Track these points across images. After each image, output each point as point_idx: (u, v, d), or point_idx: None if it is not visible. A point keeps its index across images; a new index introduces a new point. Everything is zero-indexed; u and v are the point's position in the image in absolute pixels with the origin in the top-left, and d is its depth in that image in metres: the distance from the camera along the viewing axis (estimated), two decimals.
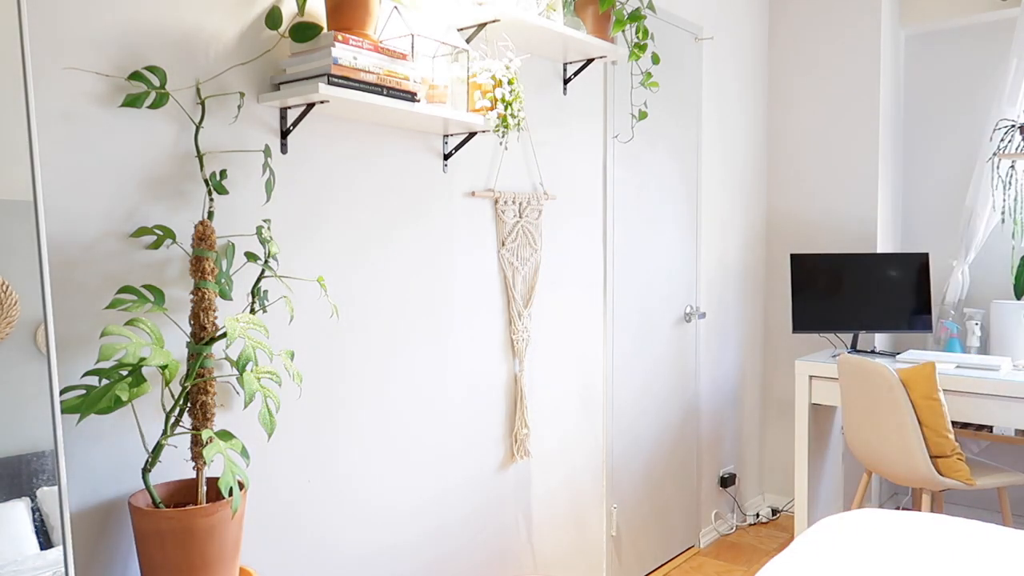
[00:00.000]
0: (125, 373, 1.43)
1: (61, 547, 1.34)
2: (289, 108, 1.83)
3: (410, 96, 1.85)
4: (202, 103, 1.65)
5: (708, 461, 3.51)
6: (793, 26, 3.76)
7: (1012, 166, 3.35)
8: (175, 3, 1.64)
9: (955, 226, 3.62)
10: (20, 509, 1.33)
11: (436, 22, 2.12)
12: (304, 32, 1.72)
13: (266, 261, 1.67)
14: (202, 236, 1.54)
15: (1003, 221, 3.42)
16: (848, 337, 3.55)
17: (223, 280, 1.62)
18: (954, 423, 3.00)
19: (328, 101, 1.73)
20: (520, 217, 2.49)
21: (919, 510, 2.80)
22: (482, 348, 2.40)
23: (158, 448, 1.52)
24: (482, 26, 2.18)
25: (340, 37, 1.70)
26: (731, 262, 3.62)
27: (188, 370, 1.52)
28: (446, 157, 2.25)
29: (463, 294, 2.33)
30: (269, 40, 1.80)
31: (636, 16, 2.41)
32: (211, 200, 1.62)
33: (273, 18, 1.76)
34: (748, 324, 3.78)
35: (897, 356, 3.17)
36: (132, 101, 1.54)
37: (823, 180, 3.71)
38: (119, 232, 1.56)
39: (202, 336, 1.53)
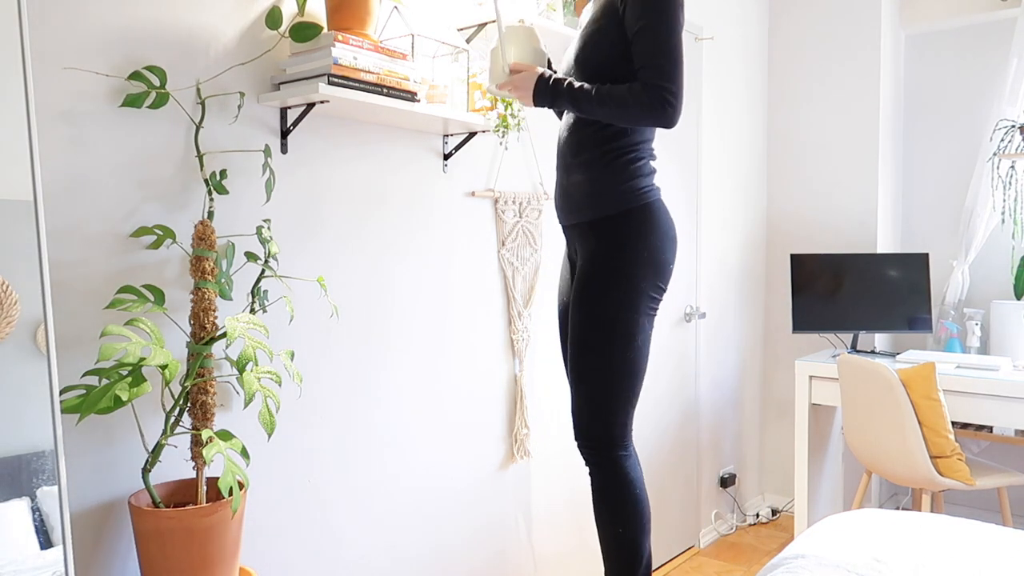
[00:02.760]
0: (125, 373, 1.43)
1: (61, 547, 1.34)
2: (289, 108, 1.83)
3: (410, 96, 1.85)
4: (202, 103, 1.65)
5: (708, 461, 3.51)
6: (793, 26, 3.76)
7: (1012, 166, 3.35)
8: (175, 3, 1.64)
9: (955, 226, 3.62)
10: (20, 509, 1.33)
11: (436, 22, 2.12)
12: (304, 32, 1.72)
13: (266, 261, 1.67)
14: (202, 236, 1.54)
15: (1003, 221, 3.41)
16: (848, 337, 3.55)
17: (223, 280, 1.62)
18: (954, 423, 3.00)
19: (328, 101, 1.73)
20: (520, 217, 2.49)
21: (919, 510, 2.80)
22: (482, 348, 2.40)
23: (158, 448, 1.52)
24: (482, 26, 2.18)
25: (340, 37, 1.70)
26: (731, 262, 3.62)
27: (188, 370, 1.52)
28: (446, 157, 2.25)
29: (463, 294, 2.33)
30: (269, 40, 1.80)
31: None
32: (211, 200, 1.62)
33: (273, 18, 1.76)
34: (748, 324, 3.78)
35: (897, 356, 3.17)
36: (132, 101, 1.54)
37: (823, 180, 3.71)
38: (119, 232, 1.56)
39: (202, 336, 1.53)
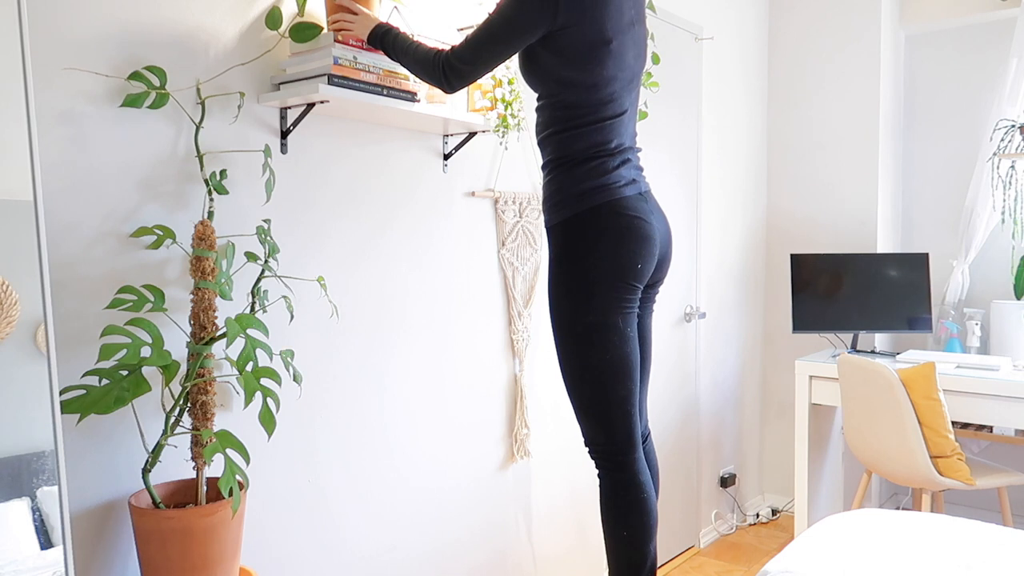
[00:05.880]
0: (125, 373, 1.43)
1: (61, 547, 1.34)
2: (289, 108, 1.83)
3: (410, 96, 1.85)
4: (202, 103, 1.65)
5: (708, 461, 3.51)
6: (793, 26, 3.76)
7: (1012, 166, 3.35)
8: (175, 3, 1.64)
9: (955, 226, 3.62)
10: (20, 509, 1.33)
11: (436, 21, 2.12)
12: (304, 32, 1.72)
13: (266, 261, 1.68)
14: (202, 236, 1.54)
15: (1003, 221, 3.42)
16: (848, 337, 3.55)
17: (223, 280, 1.62)
18: (954, 423, 3.00)
19: (328, 101, 1.73)
20: (520, 217, 2.49)
21: (919, 510, 2.80)
22: (482, 348, 2.40)
23: (158, 448, 1.52)
24: None
25: (340, 37, 1.70)
26: (731, 262, 3.62)
27: (188, 370, 1.52)
28: (446, 157, 2.25)
29: (463, 294, 2.33)
30: (269, 40, 1.80)
31: None
32: (211, 200, 1.62)
33: (273, 18, 1.76)
34: (748, 324, 3.78)
35: (897, 356, 3.17)
36: (132, 101, 1.54)
37: (823, 180, 3.71)
38: (119, 232, 1.56)
39: (202, 336, 1.53)
